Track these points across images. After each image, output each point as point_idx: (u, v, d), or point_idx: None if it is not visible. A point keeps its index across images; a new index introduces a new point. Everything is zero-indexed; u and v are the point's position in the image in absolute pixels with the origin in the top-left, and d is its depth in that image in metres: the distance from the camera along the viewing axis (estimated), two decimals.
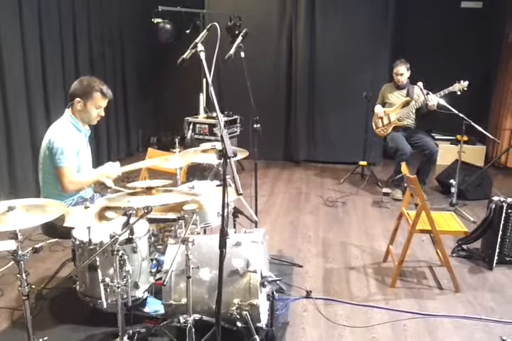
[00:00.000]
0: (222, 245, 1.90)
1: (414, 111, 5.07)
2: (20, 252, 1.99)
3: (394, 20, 6.00)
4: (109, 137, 6.12)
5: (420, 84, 4.80)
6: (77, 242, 2.42)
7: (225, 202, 1.86)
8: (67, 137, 2.77)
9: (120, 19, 6.24)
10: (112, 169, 2.92)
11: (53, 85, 4.86)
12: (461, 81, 4.54)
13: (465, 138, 4.52)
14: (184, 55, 2.22)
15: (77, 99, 2.80)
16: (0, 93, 4.23)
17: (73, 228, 2.46)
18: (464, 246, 3.65)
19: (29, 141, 4.53)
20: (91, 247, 2.33)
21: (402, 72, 5.00)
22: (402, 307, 2.89)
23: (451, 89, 4.56)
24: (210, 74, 2.05)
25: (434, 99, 4.61)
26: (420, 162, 5.05)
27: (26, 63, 4.48)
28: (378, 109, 5.19)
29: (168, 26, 5.91)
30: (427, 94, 4.71)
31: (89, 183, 2.87)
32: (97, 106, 2.85)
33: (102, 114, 2.92)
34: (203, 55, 2.12)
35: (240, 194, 1.76)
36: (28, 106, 4.54)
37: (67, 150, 2.72)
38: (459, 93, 4.50)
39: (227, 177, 2.12)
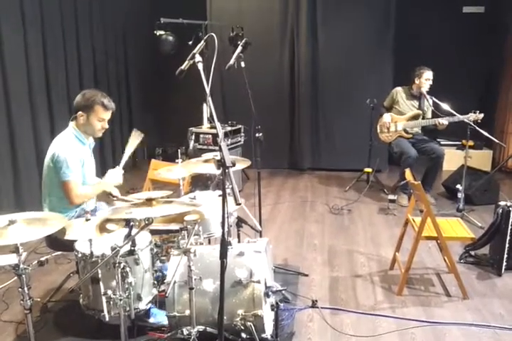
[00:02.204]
0: (223, 256, 1.89)
1: (420, 127, 5.04)
2: (21, 266, 1.98)
3: (396, 26, 6.00)
4: (114, 148, 6.15)
5: (423, 90, 4.80)
6: (80, 255, 2.42)
7: (225, 211, 1.86)
8: (71, 150, 2.78)
9: (124, 31, 6.31)
10: (115, 177, 2.90)
11: (57, 98, 4.90)
12: (477, 112, 4.40)
13: (470, 143, 4.47)
14: (182, 66, 2.23)
15: (80, 112, 2.82)
16: (4, 106, 4.28)
17: (76, 240, 2.46)
18: (472, 252, 3.60)
19: (34, 154, 4.56)
20: (93, 260, 2.33)
21: (432, 77, 4.88)
22: (410, 316, 2.85)
23: (465, 117, 4.41)
24: (208, 84, 2.05)
25: (445, 122, 4.60)
26: (427, 167, 4.99)
27: (30, 76, 4.52)
28: (387, 118, 5.06)
29: (170, 38, 5.95)
30: (431, 98, 4.72)
31: (95, 195, 2.90)
32: (100, 119, 2.86)
33: (106, 126, 2.93)
34: (200, 66, 2.13)
35: (239, 204, 1.75)
36: (32, 119, 4.58)
37: (71, 163, 2.74)
38: (472, 124, 4.35)
39: (228, 186, 2.11)
